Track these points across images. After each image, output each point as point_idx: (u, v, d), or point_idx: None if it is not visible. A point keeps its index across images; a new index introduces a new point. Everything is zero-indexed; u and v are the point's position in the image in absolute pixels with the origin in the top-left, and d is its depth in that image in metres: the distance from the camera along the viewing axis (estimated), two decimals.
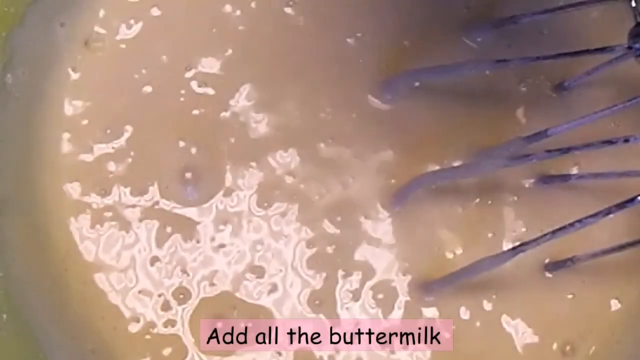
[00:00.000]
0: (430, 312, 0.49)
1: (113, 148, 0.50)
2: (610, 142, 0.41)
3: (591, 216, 0.40)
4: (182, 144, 0.50)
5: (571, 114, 0.43)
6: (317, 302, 0.49)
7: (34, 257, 0.48)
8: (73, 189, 0.49)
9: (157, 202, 0.49)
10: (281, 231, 0.49)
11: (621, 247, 0.46)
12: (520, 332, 0.49)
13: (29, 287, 0.47)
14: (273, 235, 0.49)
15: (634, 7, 0.43)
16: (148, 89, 0.51)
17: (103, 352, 0.48)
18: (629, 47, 0.42)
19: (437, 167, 0.50)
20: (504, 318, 0.49)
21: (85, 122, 0.50)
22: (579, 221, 0.41)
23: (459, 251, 0.50)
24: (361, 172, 0.50)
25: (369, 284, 0.49)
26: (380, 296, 0.49)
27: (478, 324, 0.49)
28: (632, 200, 0.40)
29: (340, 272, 0.49)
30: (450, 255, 0.49)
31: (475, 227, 0.50)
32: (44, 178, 0.49)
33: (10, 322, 0.44)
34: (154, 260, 0.49)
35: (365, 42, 0.52)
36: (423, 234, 0.50)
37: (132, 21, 0.51)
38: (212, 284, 0.48)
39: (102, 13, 0.51)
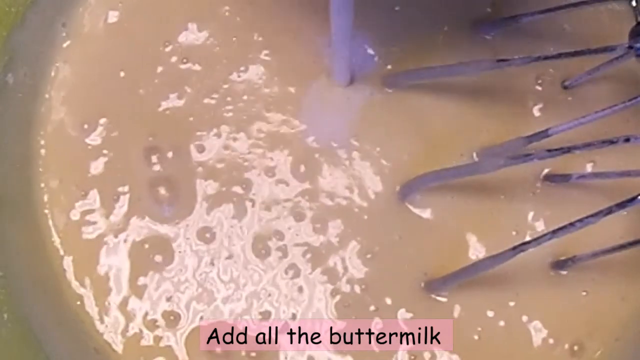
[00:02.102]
0: (456, 311, 0.48)
1: (104, 148, 0.50)
2: (610, 142, 0.41)
3: (592, 215, 0.40)
4: (151, 138, 0.50)
5: (585, 112, 0.43)
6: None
7: (34, 257, 0.48)
8: (72, 189, 0.49)
9: (134, 210, 0.49)
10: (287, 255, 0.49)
11: (621, 247, 0.46)
12: (535, 330, 0.48)
13: (29, 287, 0.47)
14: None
15: (634, 7, 0.43)
16: (145, 87, 0.51)
17: (105, 351, 0.48)
18: (630, 47, 0.42)
19: (452, 164, 0.49)
20: (524, 318, 0.48)
21: (86, 120, 0.50)
22: (580, 221, 0.41)
23: (482, 251, 0.49)
24: (375, 171, 0.50)
25: (377, 285, 0.48)
26: (387, 297, 0.48)
27: (501, 323, 0.48)
28: (632, 200, 0.40)
29: (350, 270, 0.49)
30: (473, 257, 0.49)
31: (498, 225, 0.49)
32: (44, 178, 0.49)
33: (10, 321, 0.44)
34: (147, 267, 0.49)
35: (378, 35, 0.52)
36: (445, 234, 0.49)
37: (121, 7, 0.52)
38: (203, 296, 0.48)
39: (102, 12, 0.51)
